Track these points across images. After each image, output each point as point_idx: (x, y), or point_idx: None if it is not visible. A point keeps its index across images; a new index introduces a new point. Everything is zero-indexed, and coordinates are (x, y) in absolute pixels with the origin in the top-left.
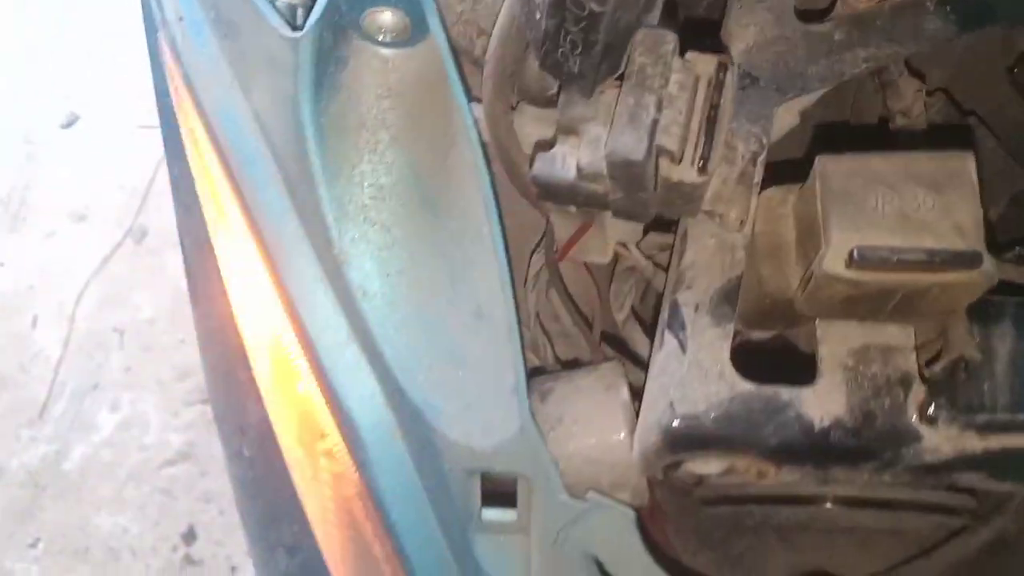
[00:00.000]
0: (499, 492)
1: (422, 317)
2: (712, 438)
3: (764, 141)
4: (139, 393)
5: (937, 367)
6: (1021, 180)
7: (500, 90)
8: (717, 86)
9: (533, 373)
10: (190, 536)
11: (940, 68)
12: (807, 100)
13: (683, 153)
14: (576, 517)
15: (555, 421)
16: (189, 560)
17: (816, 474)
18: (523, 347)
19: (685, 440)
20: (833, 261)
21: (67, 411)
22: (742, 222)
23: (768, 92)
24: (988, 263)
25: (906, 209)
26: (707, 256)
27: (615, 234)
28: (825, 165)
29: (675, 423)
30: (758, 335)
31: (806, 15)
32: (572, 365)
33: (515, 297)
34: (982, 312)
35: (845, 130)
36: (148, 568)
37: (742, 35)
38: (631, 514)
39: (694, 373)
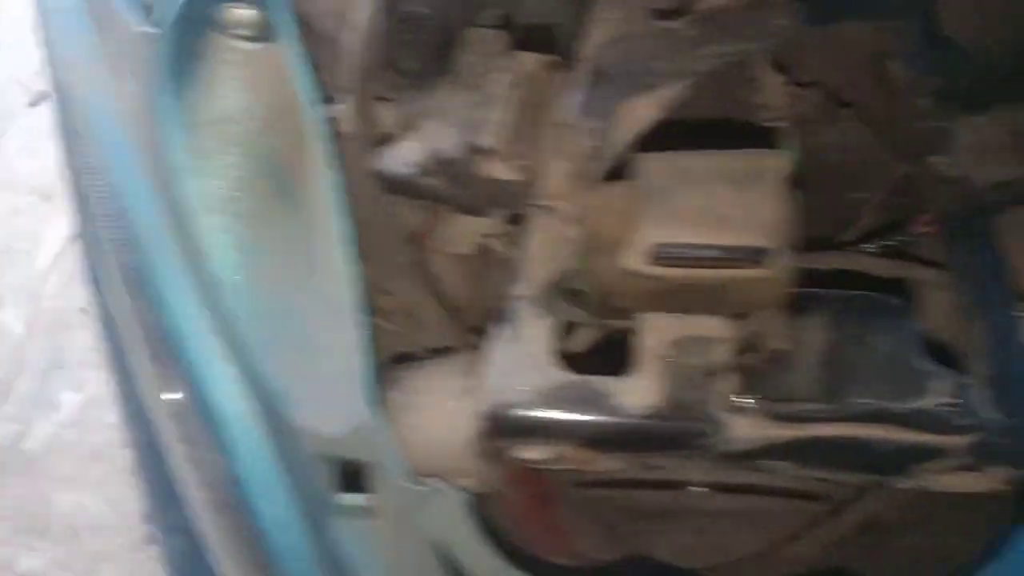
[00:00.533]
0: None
1: (279, 306)
2: (531, 427)
3: (607, 137)
4: (103, 373)
5: (750, 358)
6: (897, 169)
7: (361, 83)
8: (543, 85)
9: (399, 361)
10: (150, 515)
11: (814, 60)
12: (664, 96)
13: (502, 151)
14: (419, 502)
15: (404, 408)
16: (149, 539)
17: (635, 461)
18: (371, 335)
19: (505, 428)
20: (635, 257)
21: (30, 390)
22: (577, 217)
23: (615, 88)
24: (782, 259)
25: (712, 206)
26: (543, 249)
27: (478, 226)
28: (642, 162)
29: (495, 411)
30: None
31: (664, 14)
32: (441, 354)
33: (364, 286)
34: (797, 304)
35: (713, 125)
36: (108, 546)
37: (596, 32)
38: (466, 498)
39: (519, 363)
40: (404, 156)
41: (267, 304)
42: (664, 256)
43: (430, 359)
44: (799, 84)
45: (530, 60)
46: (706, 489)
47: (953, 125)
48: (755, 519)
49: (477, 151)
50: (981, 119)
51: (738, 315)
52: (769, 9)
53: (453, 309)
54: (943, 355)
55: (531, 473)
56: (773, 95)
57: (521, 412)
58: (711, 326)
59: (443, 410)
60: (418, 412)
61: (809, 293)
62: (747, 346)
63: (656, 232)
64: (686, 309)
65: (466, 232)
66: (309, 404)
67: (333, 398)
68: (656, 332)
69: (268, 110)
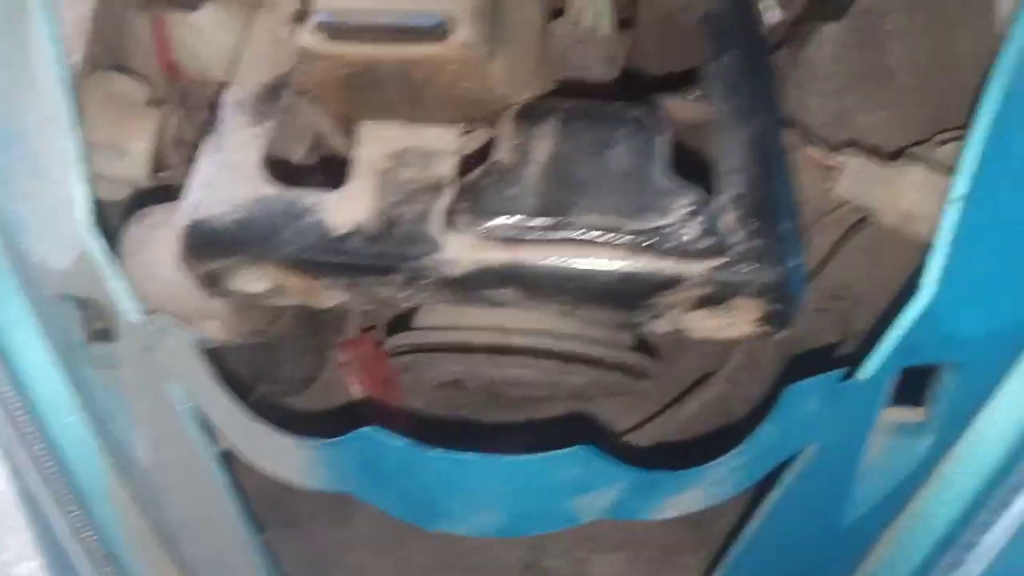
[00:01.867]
0: None
1: (6, 128)
2: (228, 243)
3: None
4: None
5: (475, 173)
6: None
7: None
8: None
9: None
10: None
11: None
12: None
13: None
14: (149, 342)
15: (140, 243)
16: None
17: (353, 288)
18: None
19: (202, 244)
20: (305, 33)
21: None
22: (295, 16)
23: None
24: (468, 35)
25: None
26: (260, 51)
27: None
28: None
29: (190, 226)
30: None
31: None
32: None
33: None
34: (528, 114)
35: None
36: None
37: None
38: (190, 338)
39: (223, 174)
40: None
41: None
42: (330, 26)
43: None
44: None
45: None
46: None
47: None
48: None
49: None
50: None
51: (465, 126)
52: None
53: None
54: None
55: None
56: None
57: (218, 227)
58: (438, 137)
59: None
60: (154, 247)
61: (543, 103)
62: (472, 159)
63: (328, 4)
64: (385, 108)
65: (204, 44)
66: (39, 234)
67: (60, 228)
68: (374, 142)
69: None
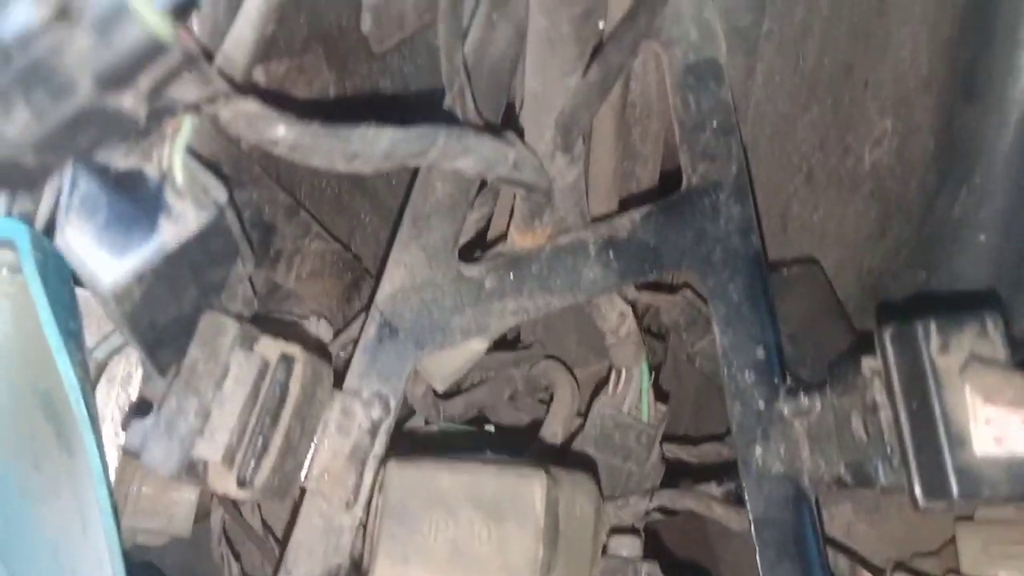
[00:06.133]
0: None
1: (39, 535)
2: None
3: (392, 404)
4: None
5: None
6: None
7: None
8: (281, 382)
9: None
10: None
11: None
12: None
13: (232, 460)
14: None
15: None
16: None
17: None
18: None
19: None
20: None
21: None
22: (348, 503)
23: (406, 346)
24: None
25: (459, 540)
26: (313, 537)
27: None
28: (391, 472)
29: None
30: None
31: (466, 250)
32: None
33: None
34: None
35: None
36: None
37: (392, 276)
38: None
39: None
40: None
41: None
42: None
43: None
44: (671, 288)
45: (272, 348)
46: None
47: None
48: None
49: (203, 463)
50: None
51: None
52: (578, 258)
53: (262, 540)
54: None
55: None
56: (616, 322)
57: None
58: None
59: None
60: None
61: None
62: None
63: (395, 568)
64: None
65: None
66: None
67: None
68: None
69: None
